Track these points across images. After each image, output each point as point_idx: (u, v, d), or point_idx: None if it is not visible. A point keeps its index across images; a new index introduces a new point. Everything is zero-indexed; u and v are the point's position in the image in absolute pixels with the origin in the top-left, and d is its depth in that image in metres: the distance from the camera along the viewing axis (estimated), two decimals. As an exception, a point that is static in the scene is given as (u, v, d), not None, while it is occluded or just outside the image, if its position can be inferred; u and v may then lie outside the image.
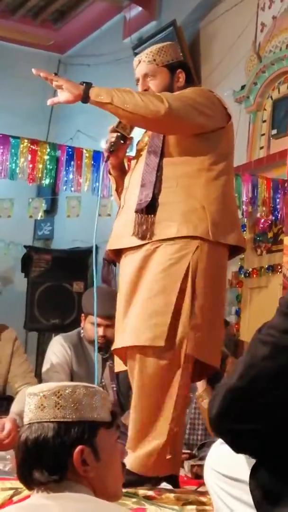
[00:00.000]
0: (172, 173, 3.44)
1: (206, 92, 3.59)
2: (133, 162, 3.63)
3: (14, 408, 4.24)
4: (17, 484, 2.62)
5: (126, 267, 3.50)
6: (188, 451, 4.08)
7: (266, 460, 1.75)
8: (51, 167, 5.43)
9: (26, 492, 1.92)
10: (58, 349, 5.00)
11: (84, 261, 7.10)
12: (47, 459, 1.91)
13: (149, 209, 3.40)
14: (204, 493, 3.15)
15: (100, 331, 4.57)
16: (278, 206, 5.91)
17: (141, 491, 3.13)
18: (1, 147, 5.34)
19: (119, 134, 3.56)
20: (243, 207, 5.90)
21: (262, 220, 6.10)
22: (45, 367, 4.99)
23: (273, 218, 6.00)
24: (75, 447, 1.92)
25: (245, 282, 6.36)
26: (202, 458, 3.78)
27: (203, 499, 3.03)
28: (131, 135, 3.64)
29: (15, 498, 2.83)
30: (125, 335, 3.35)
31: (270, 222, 6.08)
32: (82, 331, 4.97)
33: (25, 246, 7.79)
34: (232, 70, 6.77)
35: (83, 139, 7.75)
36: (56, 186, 5.57)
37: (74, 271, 7.09)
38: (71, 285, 7.06)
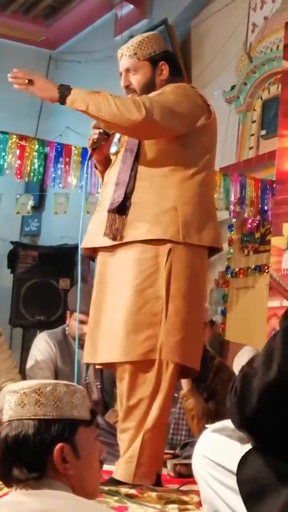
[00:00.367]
0: (146, 173, 3.40)
1: (187, 90, 3.49)
2: (113, 157, 3.59)
3: None
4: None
5: (100, 267, 3.49)
6: (172, 451, 4.08)
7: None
8: (39, 163, 5.42)
9: (5, 489, 1.91)
10: (43, 346, 4.99)
11: (71, 258, 7.08)
12: (27, 456, 1.90)
13: (120, 209, 3.37)
14: (187, 492, 3.16)
15: (84, 328, 4.55)
16: (266, 207, 5.93)
17: (123, 490, 3.13)
18: (-10, 142, 5.34)
19: (101, 130, 3.52)
20: (231, 207, 5.92)
21: (250, 221, 6.11)
22: (29, 363, 4.99)
23: (261, 218, 6.01)
24: (55, 444, 1.91)
25: (232, 282, 6.37)
26: (185, 458, 3.79)
27: (185, 498, 3.04)
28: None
29: (-7, 495, 2.83)
30: (111, 349, 3.31)
31: (257, 222, 6.10)
32: (67, 328, 4.96)
33: (12, 242, 7.77)
34: (223, 70, 6.79)
35: (72, 136, 7.73)
36: (44, 182, 5.56)
37: (61, 268, 7.08)
38: (58, 281, 7.05)
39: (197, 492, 2.47)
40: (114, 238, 3.37)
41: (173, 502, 2.99)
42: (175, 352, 3.26)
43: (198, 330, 3.44)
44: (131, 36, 7.80)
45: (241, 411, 1.79)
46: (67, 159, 5.47)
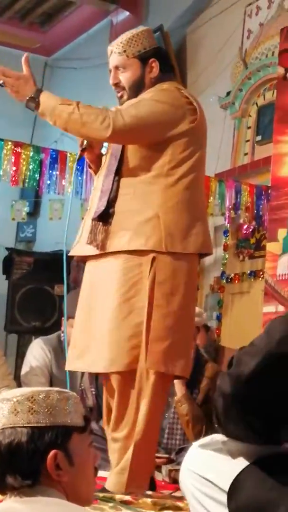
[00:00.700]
0: (130, 179, 3.35)
1: (169, 94, 3.40)
2: (103, 158, 3.52)
3: None
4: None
5: (87, 274, 3.46)
6: (166, 456, 4.08)
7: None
8: (34, 170, 5.43)
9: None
10: (38, 352, 4.99)
11: (67, 265, 7.08)
12: (20, 464, 1.90)
13: (103, 218, 3.32)
14: (181, 498, 3.15)
15: None
16: (261, 213, 5.94)
17: (118, 496, 3.12)
18: (-16, 149, 5.35)
19: None
20: (226, 213, 5.93)
21: (245, 226, 6.10)
22: (24, 370, 4.98)
23: (256, 224, 6.02)
24: (48, 451, 1.91)
25: (227, 287, 6.37)
26: (180, 463, 3.78)
27: (180, 504, 3.03)
28: None
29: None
30: (97, 358, 3.29)
31: (253, 228, 6.09)
32: (62, 334, 4.96)
33: (7, 248, 7.77)
34: (218, 76, 6.79)
35: (68, 142, 7.71)
36: (39, 188, 5.57)
37: (56, 274, 7.01)
38: (53, 288, 7.04)
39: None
40: (98, 247, 3.33)
41: (167, 508, 2.99)
42: (160, 361, 3.21)
43: (186, 337, 3.38)
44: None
45: (236, 376, 1.77)
46: (62, 166, 5.48)
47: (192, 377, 4.15)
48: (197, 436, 3.94)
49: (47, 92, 3.35)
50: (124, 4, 8.18)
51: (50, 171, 5.47)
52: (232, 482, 1.72)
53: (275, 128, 5.72)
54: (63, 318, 4.96)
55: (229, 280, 6.33)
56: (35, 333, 6.66)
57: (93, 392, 4.66)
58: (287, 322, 1.77)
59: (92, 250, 3.36)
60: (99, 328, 3.30)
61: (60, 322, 5.09)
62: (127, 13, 8.18)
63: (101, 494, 3.10)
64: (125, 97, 3.46)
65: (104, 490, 3.17)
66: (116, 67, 3.47)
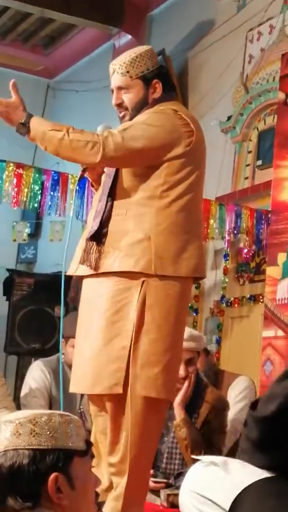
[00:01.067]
0: (124, 200, 3.32)
1: (165, 117, 3.35)
2: (102, 178, 3.50)
3: None
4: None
5: (83, 294, 3.44)
6: (165, 480, 4.06)
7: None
8: (36, 191, 5.44)
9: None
10: (37, 374, 4.98)
11: (66, 286, 7.06)
12: (21, 486, 1.91)
13: (96, 238, 3.31)
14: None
15: None
16: (261, 237, 5.94)
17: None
18: (-13, 170, 5.36)
19: None
20: (226, 237, 5.93)
21: (245, 250, 6.11)
22: (23, 391, 4.97)
23: (256, 248, 6.02)
24: (49, 474, 1.92)
25: (227, 311, 6.36)
26: (179, 487, 3.76)
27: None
28: None
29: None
30: (85, 380, 3.29)
31: (253, 252, 6.10)
32: (63, 355, 4.95)
33: (8, 269, 7.76)
34: (220, 100, 6.82)
35: (69, 164, 7.74)
36: (41, 210, 5.57)
37: (56, 296, 7.01)
38: (53, 309, 7.04)
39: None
40: (91, 268, 3.31)
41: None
42: (151, 386, 3.18)
43: (176, 361, 3.34)
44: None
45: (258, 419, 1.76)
46: (63, 187, 5.49)
47: (192, 402, 4.15)
48: (196, 461, 3.93)
49: (37, 117, 3.33)
50: (126, 28, 8.21)
51: (52, 193, 5.47)
52: (233, 501, 1.72)
53: (275, 153, 5.74)
54: (63, 339, 4.97)
55: (228, 304, 6.33)
56: (35, 354, 6.64)
57: (92, 415, 4.65)
58: None
59: (86, 270, 3.34)
60: (88, 348, 3.29)
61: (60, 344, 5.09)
62: (130, 36, 8.21)
63: (100, 518, 3.10)
64: (127, 117, 3.44)
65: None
66: (119, 88, 3.45)
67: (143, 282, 3.22)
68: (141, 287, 3.22)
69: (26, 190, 5.40)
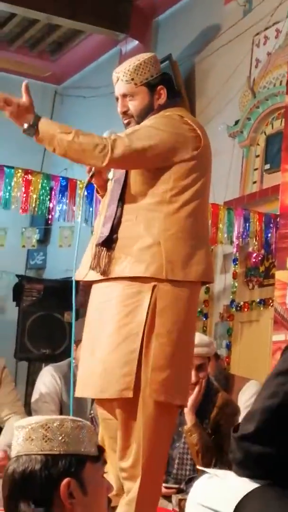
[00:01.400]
0: (133, 205, 3.34)
1: (171, 122, 3.38)
2: (109, 184, 3.52)
3: (4, 439, 4.23)
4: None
5: (92, 299, 3.45)
6: (177, 486, 4.07)
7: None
8: (45, 197, 5.44)
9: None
10: (48, 379, 4.98)
11: (76, 291, 7.05)
12: (33, 491, 1.91)
13: (106, 243, 3.32)
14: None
15: None
16: (270, 241, 5.94)
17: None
18: (-4, 176, 5.38)
19: None
20: (235, 241, 5.93)
21: (254, 254, 6.11)
22: (34, 397, 4.97)
23: (265, 252, 6.02)
24: (62, 479, 1.92)
25: (236, 315, 6.37)
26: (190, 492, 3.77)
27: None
28: None
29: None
30: (94, 384, 3.29)
31: (262, 256, 6.10)
32: (74, 360, 4.95)
33: (17, 275, 7.77)
34: (227, 105, 6.83)
35: (78, 170, 7.73)
36: (50, 216, 5.58)
37: (66, 301, 7.00)
38: (63, 315, 7.04)
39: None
40: (101, 273, 3.33)
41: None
42: (161, 390, 3.19)
43: (186, 365, 3.36)
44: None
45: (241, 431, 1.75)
46: (72, 193, 5.50)
47: (203, 407, 4.15)
48: (207, 466, 3.92)
49: (46, 119, 3.33)
50: (133, 33, 8.22)
51: (60, 199, 5.49)
52: (236, 506, 1.72)
53: (283, 157, 5.75)
54: (74, 345, 4.98)
55: (238, 308, 6.33)
56: (45, 360, 6.65)
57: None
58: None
59: (96, 275, 3.35)
60: (98, 353, 3.29)
61: (71, 348, 5.10)
62: (136, 42, 8.22)
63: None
64: (132, 124, 3.45)
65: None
66: (124, 95, 3.46)
67: (154, 287, 3.23)
68: (152, 291, 3.23)
69: (34, 196, 5.42)
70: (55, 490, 1.91)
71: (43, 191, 5.44)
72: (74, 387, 4.45)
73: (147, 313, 3.21)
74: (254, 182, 6.45)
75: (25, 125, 3.27)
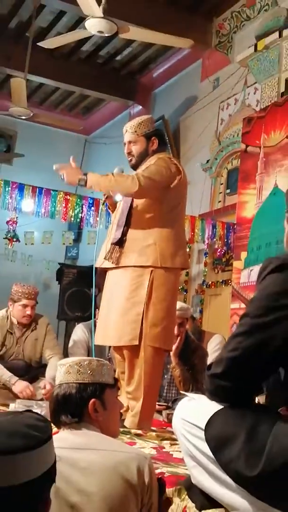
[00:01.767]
0: (138, 219, 3.35)
1: (165, 161, 3.37)
2: (118, 204, 3.53)
3: (48, 374, 4.22)
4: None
5: (109, 279, 3.46)
6: (165, 404, 4.06)
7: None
8: (78, 211, 5.45)
9: (55, 429, 1.91)
10: (79, 332, 4.98)
11: (95, 275, 7.03)
12: (70, 407, 1.91)
13: (119, 243, 3.34)
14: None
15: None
16: (229, 241, 5.94)
17: (133, 431, 3.12)
18: (45, 197, 5.37)
19: None
20: (206, 241, 5.93)
21: (219, 250, 6.10)
22: (70, 344, 4.98)
23: (226, 248, 6.02)
24: (90, 400, 1.92)
25: (206, 291, 6.36)
26: (175, 409, 3.76)
27: (174, 436, 3.00)
28: None
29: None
30: (112, 336, 3.31)
31: (224, 251, 6.09)
32: (96, 320, 4.95)
33: (59, 263, 7.78)
34: (201, 149, 6.80)
35: (100, 193, 7.77)
36: (81, 223, 5.58)
37: (91, 281, 7.04)
38: (89, 290, 7.04)
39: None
40: (114, 263, 3.35)
41: (166, 439, 2.98)
42: (156, 339, 3.23)
43: (172, 324, 3.39)
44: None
45: (212, 371, 1.71)
46: (96, 208, 5.50)
47: (183, 351, 4.15)
48: (186, 391, 3.93)
49: (90, 173, 3.30)
50: (138, 101, 8.23)
51: (88, 212, 5.49)
52: (207, 421, 1.69)
53: (239, 185, 5.74)
54: (97, 309, 4.97)
55: (208, 286, 6.32)
56: (78, 320, 6.64)
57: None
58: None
59: (111, 264, 3.38)
60: (113, 316, 3.31)
61: (95, 312, 5.09)
62: (140, 107, 8.21)
63: (121, 429, 3.10)
64: (133, 161, 3.48)
65: (123, 426, 3.17)
66: (129, 142, 3.48)
67: (151, 271, 3.27)
68: (150, 274, 3.27)
69: (71, 210, 5.41)
70: (85, 407, 1.92)
71: (77, 206, 5.45)
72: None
73: (147, 289, 3.24)
74: (219, 201, 6.43)
75: (78, 180, 3.25)
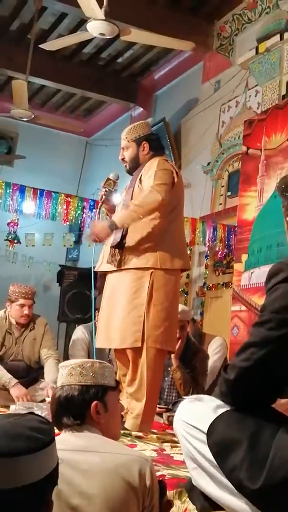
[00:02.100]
0: (137, 221, 3.32)
1: (165, 165, 3.39)
2: (117, 207, 3.54)
3: (49, 377, 4.21)
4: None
5: (108, 282, 3.47)
6: (166, 407, 4.06)
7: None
8: (79, 213, 5.45)
9: (57, 431, 1.92)
10: (80, 334, 4.99)
11: (95, 278, 7.03)
12: (73, 409, 1.92)
13: (118, 246, 3.34)
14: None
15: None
16: (230, 243, 5.94)
17: (134, 433, 3.13)
18: (46, 198, 5.37)
19: (107, 189, 3.52)
20: (207, 243, 5.93)
21: (220, 252, 6.11)
22: (71, 345, 4.99)
23: (227, 251, 6.02)
24: (92, 402, 1.92)
25: (207, 293, 6.36)
26: (175, 412, 3.76)
27: (175, 438, 3.01)
28: (115, 188, 3.58)
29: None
30: (114, 339, 3.31)
31: (224, 254, 6.09)
32: (96, 322, 4.95)
33: (60, 265, 7.79)
34: (202, 151, 6.81)
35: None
36: (82, 225, 5.58)
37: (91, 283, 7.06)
38: (90, 292, 7.04)
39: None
40: (115, 266, 3.36)
41: (167, 441, 2.99)
42: (158, 340, 3.23)
43: (173, 325, 3.38)
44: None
45: (227, 377, 1.70)
46: (97, 210, 5.49)
47: (184, 354, 4.15)
48: (187, 393, 3.94)
49: (114, 216, 3.32)
50: (139, 103, 8.23)
51: (89, 214, 5.49)
52: (209, 425, 1.69)
53: (240, 187, 5.74)
54: (97, 311, 4.97)
55: (208, 288, 6.32)
56: (78, 322, 6.65)
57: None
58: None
59: (110, 267, 3.39)
60: (115, 319, 3.32)
61: (95, 314, 5.09)
62: (141, 109, 8.22)
63: (122, 431, 3.10)
64: (127, 167, 3.53)
65: (124, 428, 3.18)
66: (123, 148, 3.53)
67: (151, 273, 3.28)
68: (151, 276, 3.28)
69: (72, 212, 5.41)
70: (87, 409, 1.92)
71: (78, 208, 5.44)
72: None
73: (148, 291, 3.25)
74: (220, 204, 6.44)
75: (110, 230, 3.25)
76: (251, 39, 6.09)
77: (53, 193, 5.40)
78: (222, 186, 6.47)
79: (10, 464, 1.11)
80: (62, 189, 5.89)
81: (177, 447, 2.86)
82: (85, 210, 5.48)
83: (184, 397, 2.10)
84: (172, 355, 4.03)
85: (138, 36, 5.33)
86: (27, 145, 8.83)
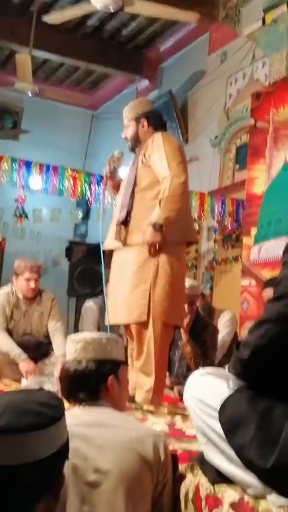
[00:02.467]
0: (141, 198, 3.36)
1: (171, 140, 3.43)
2: (122, 184, 3.55)
3: (58, 351, 4.25)
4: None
5: (115, 258, 3.50)
6: (177, 379, 4.09)
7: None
8: (86, 188, 5.44)
9: (67, 405, 1.95)
10: (89, 308, 5.03)
11: (103, 254, 7.03)
12: (89, 384, 1.94)
13: (124, 223, 3.36)
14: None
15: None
16: (239, 217, 5.93)
17: (145, 407, 3.16)
18: (53, 173, 5.37)
19: (111, 166, 3.54)
20: (215, 218, 5.93)
21: (229, 227, 6.10)
22: (81, 320, 5.02)
23: (236, 225, 6.01)
24: (107, 376, 1.95)
25: (216, 268, 6.36)
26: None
27: (186, 413, 3.05)
28: (119, 165, 3.60)
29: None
30: (122, 314, 3.33)
31: (233, 228, 6.09)
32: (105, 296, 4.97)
33: (69, 241, 7.80)
34: (209, 124, 6.76)
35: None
36: (89, 201, 5.58)
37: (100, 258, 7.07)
38: (98, 267, 7.06)
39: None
40: (121, 242, 3.38)
41: (177, 414, 3.02)
42: (164, 314, 3.25)
43: (180, 299, 3.39)
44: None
45: (241, 354, 1.69)
46: (104, 186, 5.48)
47: (194, 328, 4.18)
48: (197, 367, 3.95)
49: (153, 219, 3.23)
50: (145, 75, 8.15)
51: (96, 189, 5.49)
52: (222, 403, 1.71)
53: (248, 160, 5.70)
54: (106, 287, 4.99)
55: (217, 263, 6.33)
56: (87, 296, 6.68)
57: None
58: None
59: (118, 244, 3.41)
60: (122, 294, 3.34)
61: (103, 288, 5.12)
62: (147, 81, 8.14)
63: (133, 405, 3.14)
64: (129, 145, 3.55)
65: (136, 402, 3.22)
66: (124, 126, 3.56)
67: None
68: None
69: (79, 187, 5.41)
70: (103, 383, 1.94)
71: (85, 184, 5.43)
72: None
73: (153, 264, 3.27)
74: (228, 178, 6.41)
75: (159, 232, 3.19)
76: (257, 10, 5.99)
77: (59, 168, 5.39)
78: (230, 160, 6.44)
79: (20, 440, 1.11)
80: (69, 164, 5.88)
81: (188, 420, 2.90)
82: (92, 185, 5.47)
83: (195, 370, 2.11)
84: (182, 330, 4.06)
85: (143, 7, 5.27)
86: (33, 119, 8.78)
